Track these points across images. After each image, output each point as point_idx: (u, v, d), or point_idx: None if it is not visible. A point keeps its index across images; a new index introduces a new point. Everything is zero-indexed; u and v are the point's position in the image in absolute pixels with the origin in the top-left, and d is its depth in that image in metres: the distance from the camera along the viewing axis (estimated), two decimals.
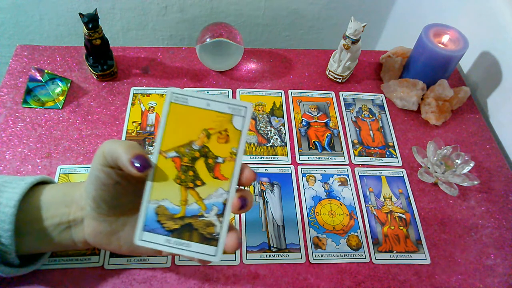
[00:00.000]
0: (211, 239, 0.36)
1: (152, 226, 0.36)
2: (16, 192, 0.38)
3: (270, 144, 0.59)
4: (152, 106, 0.61)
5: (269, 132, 0.61)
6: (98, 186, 0.36)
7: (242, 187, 0.37)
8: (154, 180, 0.36)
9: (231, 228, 0.36)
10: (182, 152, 0.36)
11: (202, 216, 0.36)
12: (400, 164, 0.59)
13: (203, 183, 0.36)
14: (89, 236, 0.39)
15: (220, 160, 0.36)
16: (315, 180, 0.56)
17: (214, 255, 0.36)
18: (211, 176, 0.36)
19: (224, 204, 0.36)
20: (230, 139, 0.36)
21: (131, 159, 0.34)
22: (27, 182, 0.39)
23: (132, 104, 0.61)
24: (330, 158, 0.59)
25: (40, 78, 0.61)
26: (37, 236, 0.39)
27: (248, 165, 0.56)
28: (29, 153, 0.54)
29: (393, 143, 0.62)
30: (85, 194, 0.38)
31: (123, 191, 0.37)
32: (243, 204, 0.35)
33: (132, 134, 0.58)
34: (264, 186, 0.55)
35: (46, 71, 0.62)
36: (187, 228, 0.36)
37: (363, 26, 0.60)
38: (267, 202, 0.53)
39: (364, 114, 0.65)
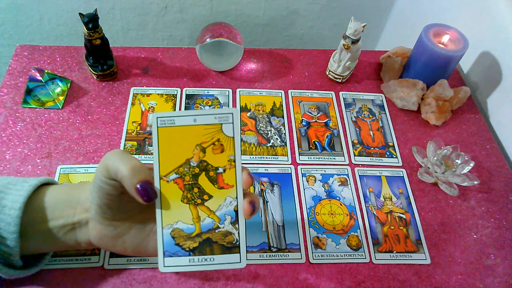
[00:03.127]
0: (232, 247, 0.36)
1: (172, 250, 0.36)
2: (21, 195, 0.38)
3: (270, 144, 0.59)
4: (152, 106, 0.61)
5: (269, 132, 0.61)
6: (102, 195, 0.36)
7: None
8: (162, 207, 0.36)
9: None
10: (182, 172, 0.36)
11: (218, 228, 0.37)
12: (400, 164, 0.59)
13: (210, 197, 0.37)
14: (94, 239, 0.39)
15: (220, 170, 0.36)
16: (315, 180, 0.56)
17: (239, 262, 0.36)
18: (216, 188, 0.36)
19: (236, 211, 0.36)
20: (225, 147, 0.36)
21: (136, 185, 0.34)
22: (31, 184, 0.39)
23: (132, 104, 0.61)
24: (330, 158, 0.59)
25: (40, 78, 0.61)
26: (42, 237, 0.39)
27: (248, 165, 0.56)
28: (29, 153, 0.54)
29: (393, 143, 0.62)
30: (90, 198, 0.38)
31: (128, 199, 0.37)
32: (254, 209, 0.36)
33: (132, 134, 0.58)
34: (264, 186, 0.55)
35: (46, 71, 0.62)
36: (207, 243, 0.37)
37: (363, 26, 0.60)
38: (267, 202, 0.53)
39: (364, 114, 0.65)
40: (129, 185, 0.34)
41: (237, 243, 0.36)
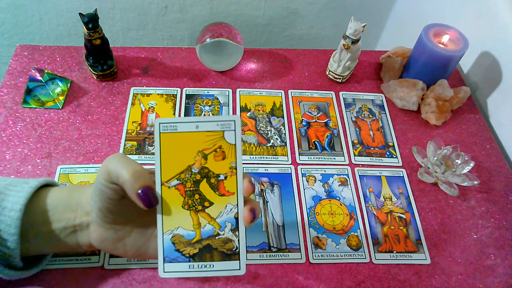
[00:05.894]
0: (231, 254, 0.36)
1: (172, 256, 0.36)
2: (21, 196, 0.38)
3: (270, 144, 0.59)
4: (152, 106, 0.61)
5: (269, 132, 0.61)
6: (103, 199, 0.36)
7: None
8: (163, 213, 0.36)
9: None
10: (184, 178, 0.36)
11: (218, 234, 0.37)
12: (400, 164, 0.59)
13: (211, 203, 0.37)
14: (95, 242, 0.39)
15: (222, 177, 0.36)
16: (315, 180, 0.56)
17: (238, 269, 0.36)
18: (217, 195, 0.37)
19: (236, 218, 0.36)
20: (226, 154, 0.36)
21: (137, 190, 0.34)
22: (32, 185, 0.39)
23: (132, 104, 0.61)
24: (330, 158, 0.59)
25: (40, 78, 0.61)
26: (43, 238, 0.39)
27: (248, 166, 0.56)
28: (29, 153, 0.54)
29: (393, 143, 0.62)
30: (91, 202, 0.38)
31: (129, 203, 0.37)
32: (254, 217, 0.36)
33: (132, 134, 0.58)
34: (264, 186, 0.55)
35: (46, 71, 0.62)
36: (207, 249, 0.37)
37: (363, 26, 0.60)
38: (267, 202, 0.53)
39: (364, 114, 0.65)
40: (131, 190, 0.34)
41: (237, 250, 0.36)
